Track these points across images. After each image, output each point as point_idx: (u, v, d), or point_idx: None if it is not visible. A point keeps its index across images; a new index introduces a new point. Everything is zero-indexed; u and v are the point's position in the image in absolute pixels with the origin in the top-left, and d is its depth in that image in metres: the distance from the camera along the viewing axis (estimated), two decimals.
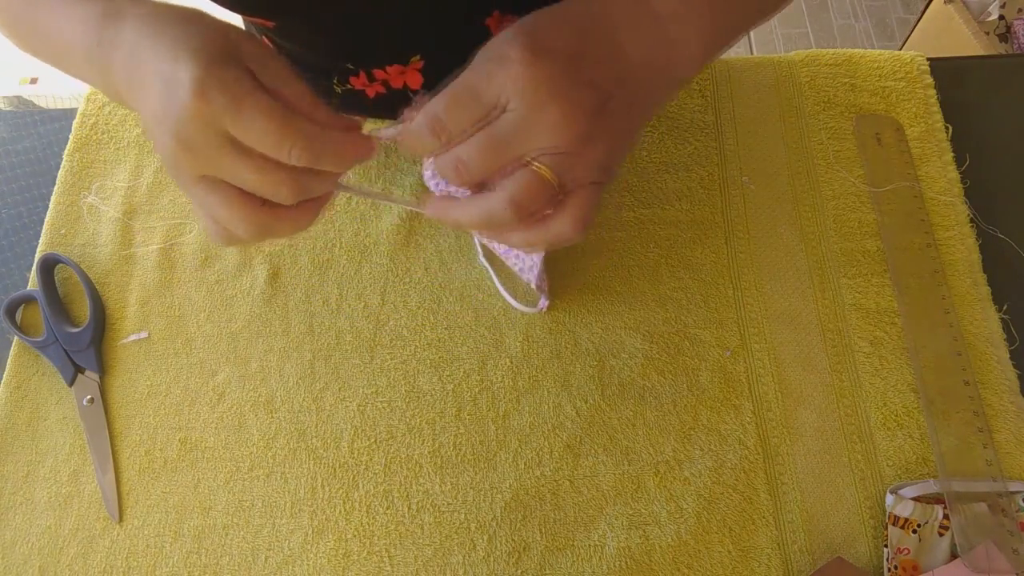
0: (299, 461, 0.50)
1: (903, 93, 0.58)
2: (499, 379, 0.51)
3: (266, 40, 0.58)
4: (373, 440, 0.50)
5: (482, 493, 0.48)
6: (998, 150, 0.57)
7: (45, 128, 0.65)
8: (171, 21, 0.33)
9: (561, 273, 0.54)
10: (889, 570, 0.44)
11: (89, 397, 0.52)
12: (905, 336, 0.51)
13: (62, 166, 0.60)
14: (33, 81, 1.82)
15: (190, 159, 0.32)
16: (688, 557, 0.46)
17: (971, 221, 0.54)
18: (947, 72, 0.60)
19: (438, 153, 0.34)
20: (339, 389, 0.52)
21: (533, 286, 0.50)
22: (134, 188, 0.59)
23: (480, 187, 0.36)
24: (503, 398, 0.51)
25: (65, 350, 0.52)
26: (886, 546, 0.44)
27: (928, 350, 0.50)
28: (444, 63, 0.55)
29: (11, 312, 0.54)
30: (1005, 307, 0.51)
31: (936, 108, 0.58)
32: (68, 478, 0.50)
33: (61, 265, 0.56)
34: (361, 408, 0.51)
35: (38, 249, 0.57)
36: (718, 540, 0.46)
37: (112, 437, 0.51)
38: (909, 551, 0.44)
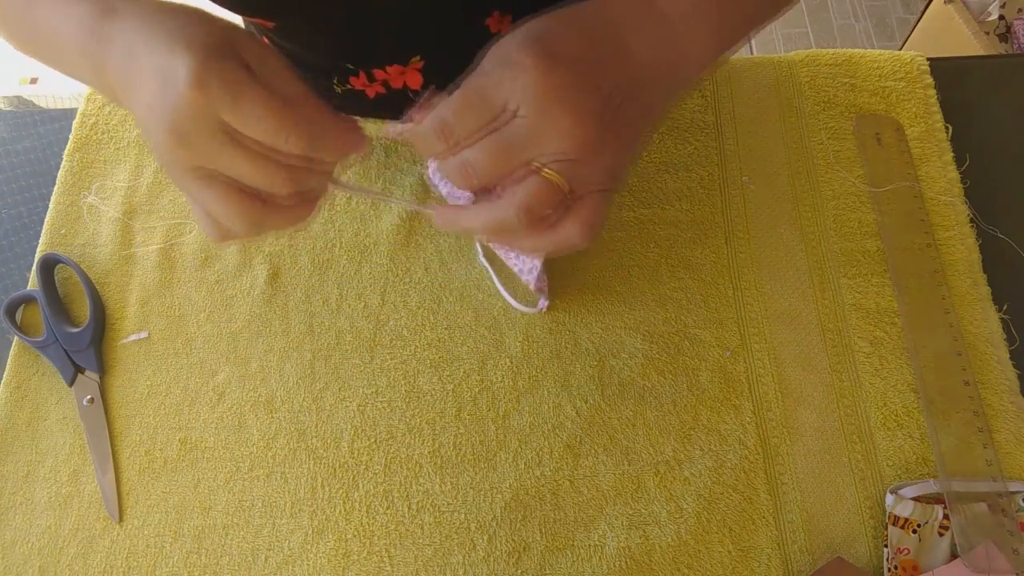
0: (299, 461, 0.50)
1: (903, 93, 0.58)
2: (499, 379, 0.51)
3: (266, 40, 0.58)
4: (373, 440, 0.50)
5: (482, 493, 0.48)
6: (998, 150, 0.57)
7: (45, 128, 0.65)
8: (167, 17, 0.33)
9: (561, 273, 0.54)
10: (889, 570, 0.44)
11: (89, 397, 0.52)
12: (905, 336, 0.51)
13: (62, 166, 0.60)
14: (33, 81, 1.82)
15: (185, 151, 0.32)
16: (688, 557, 0.46)
17: (971, 221, 0.54)
18: (947, 72, 0.60)
19: (444, 156, 0.34)
20: (339, 389, 0.52)
21: (532, 287, 0.50)
22: (134, 188, 0.59)
23: (483, 191, 0.36)
24: (503, 398, 0.51)
25: (65, 350, 0.52)
26: (886, 546, 0.44)
27: (928, 350, 0.50)
28: (444, 63, 0.55)
29: (11, 312, 0.54)
30: (1005, 307, 0.51)
31: (936, 108, 0.58)
32: (68, 478, 0.50)
33: (61, 265, 0.56)
34: (361, 408, 0.51)
35: (38, 249, 0.57)
36: (718, 540, 0.46)
37: (112, 437, 0.51)
38: (909, 551, 0.44)
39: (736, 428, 0.49)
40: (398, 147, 0.59)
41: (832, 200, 0.55)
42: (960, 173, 0.55)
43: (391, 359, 0.52)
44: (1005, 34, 1.36)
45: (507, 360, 0.52)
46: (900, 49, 0.78)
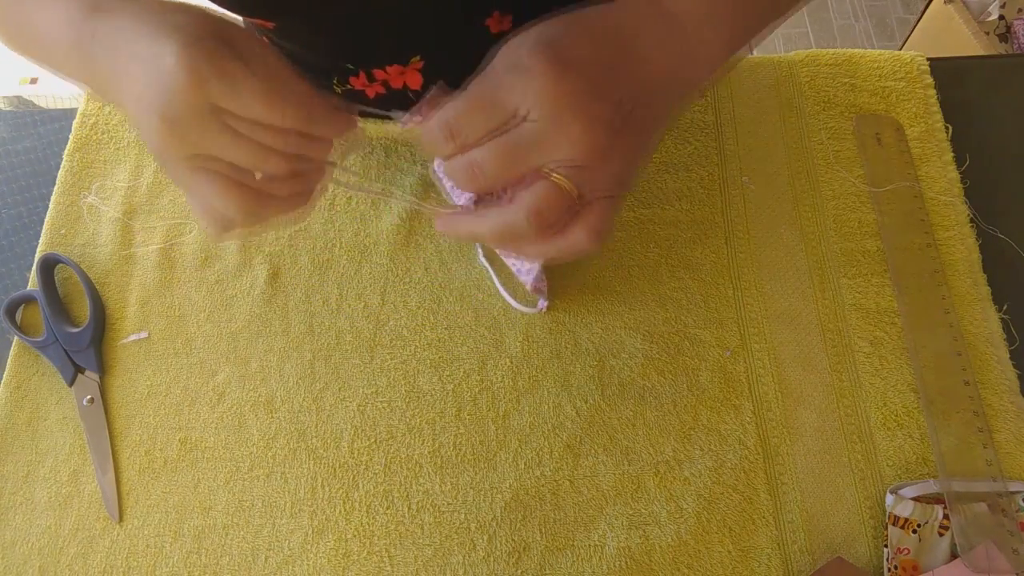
0: (299, 461, 0.50)
1: (903, 93, 0.58)
2: (499, 379, 0.51)
3: (266, 40, 0.58)
4: (373, 440, 0.50)
5: (482, 493, 0.48)
6: (998, 150, 0.57)
7: (45, 128, 0.65)
8: (152, 12, 0.32)
9: (561, 273, 0.54)
10: (889, 570, 0.44)
11: (89, 397, 0.52)
12: (905, 336, 0.51)
13: (62, 166, 0.60)
14: (33, 81, 1.82)
15: (177, 138, 0.31)
16: (688, 557, 0.46)
17: (971, 221, 0.54)
18: (947, 72, 0.60)
19: (450, 156, 0.34)
20: (339, 389, 0.52)
21: (529, 288, 0.50)
22: (134, 188, 0.59)
23: (485, 193, 0.36)
24: (503, 398, 0.51)
25: (65, 350, 0.52)
26: (886, 546, 0.44)
27: (928, 350, 0.50)
28: (444, 63, 0.55)
29: (11, 312, 0.54)
30: (1005, 307, 0.51)
31: (936, 108, 0.58)
32: (68, 478, 0.50)
33: (61, 265, 0.56)
34: (361, 408, 0.51)
35: (38, 249, 0.57)
36: (718, 540, 0.46)
37: (112, 437, 0.51)
38: (909, 551, 0.44)
39: (736, 428, 0.49)
40: (398, 147, 0.59)
41: (832, 200, 0.55)
42: (960, 173, 0.55)
43: (391, 359, 0.52)
44: (1005, 34, 1.36)
45: (507, 360, 0.52)
46: (900, 49, 0.78)
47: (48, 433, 0.52)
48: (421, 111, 0.35)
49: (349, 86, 0.58)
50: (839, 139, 0.58)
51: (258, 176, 0.34)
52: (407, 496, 0.48)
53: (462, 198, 0.48)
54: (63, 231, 0.58)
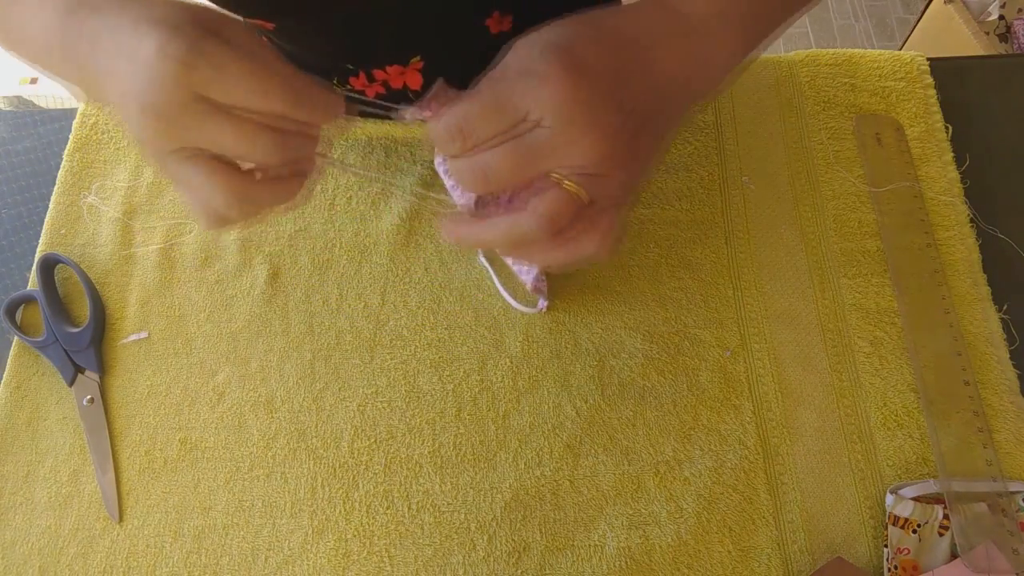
0: (299, 461, 0.50)
1: (903, 93, 0.58)
2: (499, 379, 0.51)
3: (266, 40, 0.58)
4: (373, 440, 0.50)
5: (482, 493, 0.48)
6: (998, 150, 0.57)
7: (45, 128, 0.65)
8: (132, 4, 0.32)
9: (561, 273, 0.54)
10: (889, 570, 0.44)
11: (89, 397, 0.52)
12: (905, 336, 0.51)
13: (62, 166, 0.60)
14: (33, 81, 1.82)
15: (163, 130, 0.31)
16: (688, 557, 0.46)
17: (971, 221, 0.54)
18: (947, 72, 0.60)
19: (457, 156, 0.33)
20: (339, 389, 0.52)
21: (529, 288, 0.50)
22: (134, 188, 0.59)
23: (488, 195, 0.36)
24: (503, 398, 0.51)
25: (65, 350, 0.52)
26: (886, 546, 0.44)
27: (928, 350, 0.50)
28: (444, 63, 0.55)
29: (11, 312, 0.54)
30: (1005, 307, 0.51)
31: (936, 108, 0.58)
32: (68, 478, 0.50)
33: (61, 265, 0.56)
34: (361, 408, 0.51)
35: (38, 249, 0.57)
36: (718, 540, 0.46)
37: (112, 437, 0.51)
38: (909, 551, 0.44)
39: (736, 428, 0.49)
40: (398, 147, 0.59)
41: (832, 200, 0.55)
42: (960, 173, 0.55)
43: (391, 359, 0.52)
44: (1005, 34, 1.36)
45: (507, 360, 0.52)
46: (900, 49, 0.78)
47: (48, 433, 0.52)
48: (430, 107, 0.35)
49: (349, 86, 0.58)
50: (839, 139, 0.58)
51: (245, 167, 0.34)
52: (407, 496, 0.48)
53: (463, 197, 0.48)
54: (63, 231, 0.58)
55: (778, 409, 0.49)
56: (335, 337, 0.53)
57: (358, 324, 0.54)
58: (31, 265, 0.56)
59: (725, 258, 0.54)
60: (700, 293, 0.53)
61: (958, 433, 0.47)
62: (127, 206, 0.59)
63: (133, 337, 0.54)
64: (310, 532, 0.48)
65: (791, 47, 1.92)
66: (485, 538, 0.47)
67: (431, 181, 0.57)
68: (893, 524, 0.44)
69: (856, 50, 0.61)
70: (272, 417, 0.51)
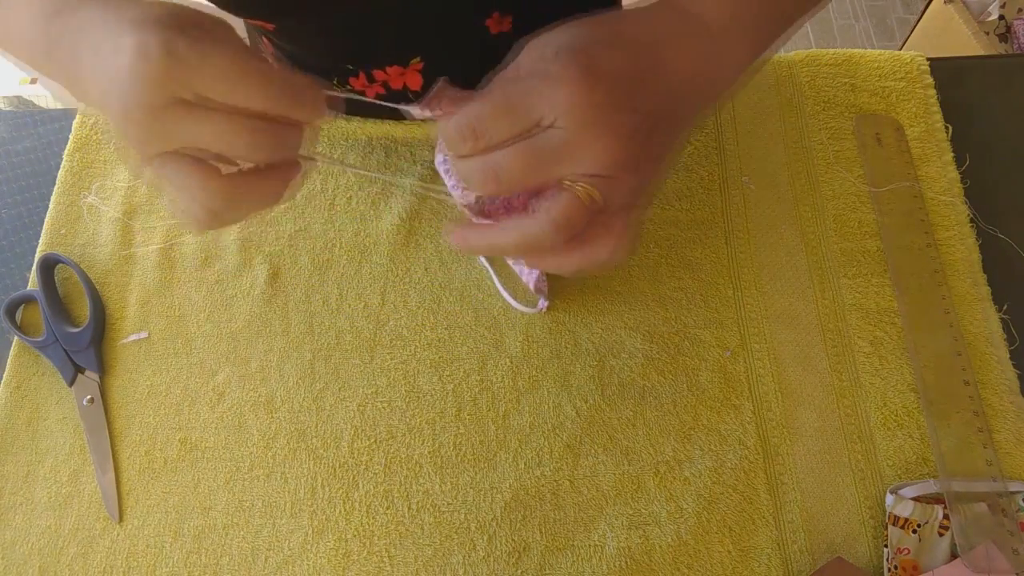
0: (299, 461, 0.50)
1: (903, 93, 0.58)
2: (499, 379, 0.51)
3: (266, 41, 0.58)
4: (373, 440, 0.50)
5: (482, 493, 0.48)
6: (998, 150, 0.57)
7: (45, 128, 0.65)
8: (109, 8, 0.32)
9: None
10: (889, 570, 0.44)
11: (89, 397, 0.52)
12: (905, 336, 0.51)
13: (62, 166, 0.60)
14: (33, 81, 1.82)
15: (144, 130, 0.31)
16: (688, 557, 0.46)
17: (971, 221, 0.54)
18: (947, 72, 0.60)
19: (467, 156, 0.33)
20: (339, 389, 0.52)
21: (531, 288, 0.50)
22: (134, 188, 0.59)
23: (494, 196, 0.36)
24: (503, 398, 0.51)
25: (65, 350, 0.52)
26: (886, 546, 0.44)
27: (928, 350, 0.50)
28: (444, 64, 0.55)
29: (11, 312, 0.54)
30: (1005, 307, 0.51)
31: (936, 108, 0.58)
32: (68, 478, 0.50)
33: (61, 265, 0.56)
34: (361, 408, 0.51)
35: (38, 249, 0.57)
36: (718, 540, 0.46)
37: (112, 437, 0.51)
38: (909, 551, 0.44)
39: (736, 428, 0.49)
40: (398, 147, 0.59)
41: (832, 200, 0.55)
42: (960, 173, 0.55)
43: (391, 359, 0.52)
44: (1005, 34, 1.36)
45: (507, 360, 0.52)
46: (900, 49, 0.78)
47: (48, 433, 0.52)
48: (440, 106, 0.35)
49: (348, 87, 0.58)
50: (839, 139, 0.58)
51: (225, 171, 0.34)
52: (407, 496, 0.48)
53: (463, 197, 0.48)
54: (63, 231, 0.58)
55: (778, 409, 0.49)
56: (335, 337, 0.53)
57: (358, 324, 0.54)
58: (31, 265, 0.56)
59: (725, 258, 0.54)
60: (700, 293, 0.53)
61: (958, 433, 0.47)
62: (127, 206, 0.59)
63: (133, 337, 0.54)
64: (310, 532, 0.48)
65: (791, 47, 1.92)
66: (485, 538, 0.47)
67: (431, 181, 0.57)
68: (893, 524, 0.44)
69: (856, 50, 0.61)
70: (272, 417, 0.51)
